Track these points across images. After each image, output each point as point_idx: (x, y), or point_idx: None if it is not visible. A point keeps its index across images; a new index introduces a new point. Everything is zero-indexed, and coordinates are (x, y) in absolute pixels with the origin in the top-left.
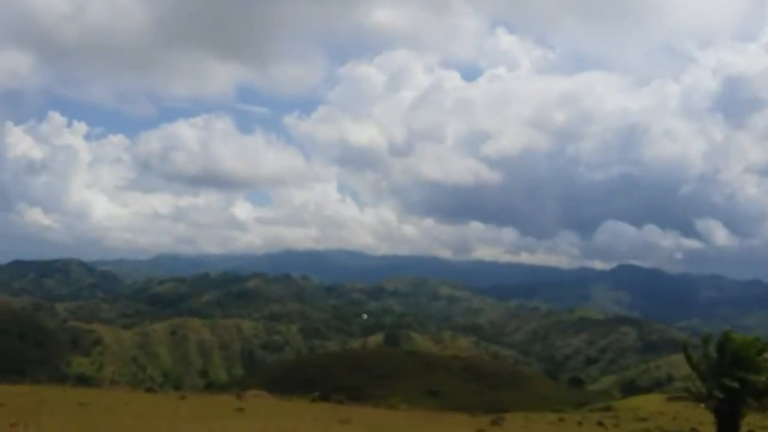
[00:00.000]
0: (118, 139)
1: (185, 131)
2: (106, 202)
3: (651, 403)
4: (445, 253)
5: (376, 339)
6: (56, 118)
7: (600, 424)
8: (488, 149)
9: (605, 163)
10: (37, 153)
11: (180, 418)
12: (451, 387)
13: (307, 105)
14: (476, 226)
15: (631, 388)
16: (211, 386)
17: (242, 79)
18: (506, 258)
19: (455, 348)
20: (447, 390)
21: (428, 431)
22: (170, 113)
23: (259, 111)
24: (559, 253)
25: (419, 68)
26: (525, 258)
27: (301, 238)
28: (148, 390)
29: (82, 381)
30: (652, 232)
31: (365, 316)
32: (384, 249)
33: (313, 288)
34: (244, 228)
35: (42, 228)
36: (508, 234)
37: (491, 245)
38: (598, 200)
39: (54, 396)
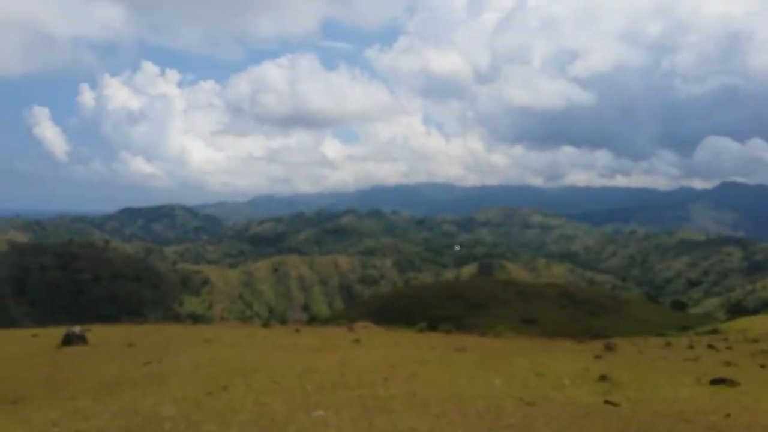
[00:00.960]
0: (209, 85)
1: (273, 72)
2: (203, 148)
3: (761, 324)
4: (536, 181)
5: (469, 270)
6: (149, 67)
7: (711, 347)
8: (578, 69)
9: (705, 75)
10: (134, 103)
11: (302, 349)
12: (547, 314)
13: (388, 36)
14: (568, 151)
15: (737, 310)
16: (315, 320)
17: (326, 13)
18: (600, 182)
19: (550, 276)
20: (544, 318)
21: (545, 358)
22: (258, 55)
23: (342, 46)
24: (657, 174)
25: None
26: (620, 181)
27: (390, 173)
28: (264, 325)
29: (195, 319)
30: (757, 147)
31: (458, 248)
32: (473, 179)
33: (405, 222)
34: (335, 166)
35: (146, 176)
36: (602, 157)
37: (584, 170)
38: (697, 116)
39: (178, 334)
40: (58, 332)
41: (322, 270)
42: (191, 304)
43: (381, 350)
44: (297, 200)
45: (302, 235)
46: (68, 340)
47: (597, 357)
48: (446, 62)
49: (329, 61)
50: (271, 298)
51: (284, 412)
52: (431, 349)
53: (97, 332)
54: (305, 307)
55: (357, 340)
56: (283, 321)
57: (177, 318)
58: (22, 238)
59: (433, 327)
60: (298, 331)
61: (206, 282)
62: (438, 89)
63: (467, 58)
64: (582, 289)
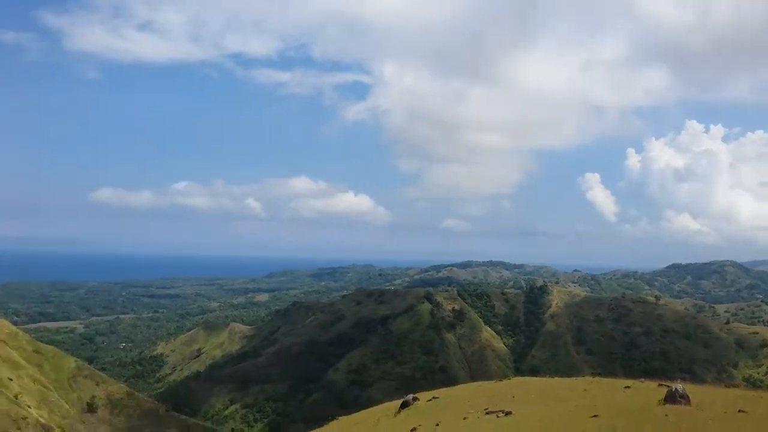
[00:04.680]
0: (756, 136)
1: None
2: (752, 202)
3: None
4: None
5: None
6: (693, 126)
7: None
8: None
9: None
10: (678, 162)
11: None
12: None
13: None
14: None
15: None
16: None
17: None
18: None
19: None
20: None
21: None
22: None
23: None
24: None
25: None
26: None
27: None
28: None
29: (752, 384)
30: None
31: None
32: None
33: None
34: None
35: (692, 233)
36: None
37: None
38: None
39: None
40: (646, 386)
41: None
42: (747, 367)
43: None
44: None
45: None
46: (671, 398)
47: None
48: None
49: None
50: None
51: None
52: None
53: (692, 391)
54: None
55: None
56: None
57: (730, 381)
58: (579, 291)
59: None
60: None
61: (764, 345)
62: None
63: None
64: None
